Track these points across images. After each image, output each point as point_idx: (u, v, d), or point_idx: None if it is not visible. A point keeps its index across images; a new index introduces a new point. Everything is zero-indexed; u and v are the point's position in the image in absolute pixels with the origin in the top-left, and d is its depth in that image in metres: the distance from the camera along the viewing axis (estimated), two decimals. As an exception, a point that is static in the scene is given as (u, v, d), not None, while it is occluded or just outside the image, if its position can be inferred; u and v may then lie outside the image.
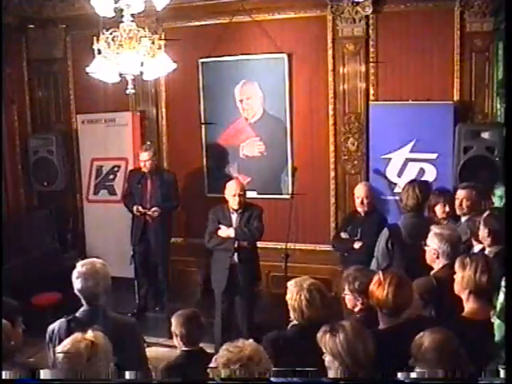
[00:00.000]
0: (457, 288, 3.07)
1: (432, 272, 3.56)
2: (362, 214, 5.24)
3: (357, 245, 5.07)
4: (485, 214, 3.81)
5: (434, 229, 3.64)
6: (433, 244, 3.56)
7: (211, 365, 2.17)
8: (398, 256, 4.15)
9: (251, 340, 2.27)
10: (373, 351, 2.48)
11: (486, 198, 4.70)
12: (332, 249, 5.62)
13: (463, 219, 4.59)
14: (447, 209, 4.79)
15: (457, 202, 4.64)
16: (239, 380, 2.08)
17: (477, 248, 3.99)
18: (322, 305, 3.07)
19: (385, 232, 4.27)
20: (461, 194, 4.65)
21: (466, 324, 2.90)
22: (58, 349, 2.42)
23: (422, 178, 5.48)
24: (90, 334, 2.43)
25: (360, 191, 5.26)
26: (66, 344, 2.41)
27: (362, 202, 5.21)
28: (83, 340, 2.39)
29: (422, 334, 2.48)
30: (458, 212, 4.65)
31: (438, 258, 3.54)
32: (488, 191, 4.71)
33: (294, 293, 3.08)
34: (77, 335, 2.44)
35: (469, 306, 3.02)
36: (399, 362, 2.45)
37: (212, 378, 2.13)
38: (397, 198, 4.96)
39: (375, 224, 5.04)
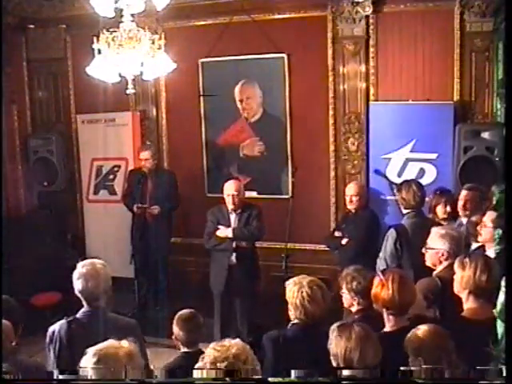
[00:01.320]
0: (456, 288, 3.07)
1: (434, 272, 3.54)
2: (353, 212, 5.32)
3: (344, 241, 5.18)
4: (493, 216, 3.77)
5: (439, 230, 3.60)
6: (440, 245, 3.52)
7: (198, 364, 2.17)
8: (405, 256, 4.14)
9: (238, 339, 2.28)
10: (380, 354, 2.49)
11: (486, 198, 4.68)
12: (327, 247, 5.65)
13: (464, 220, 4.56)
14: (448, 209, 4.78)
15: (460, 203, 4.59)
16: (240, 380, 2.09)
17: (474, 246, 3.98)
18: (323, 300, 3.08)
19: (391, 233, 4.25)
20: (465, 195, 4.59)
21: (466, 324, 2.90)
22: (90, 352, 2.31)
23: (422, 178, 5.51)
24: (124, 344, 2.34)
25: (350, 190, 5.36)
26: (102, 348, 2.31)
27: (350, 200, 5.30)
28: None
29: (414, 329, 2.52)
30: (461, 213, 4.62)
31: (446, 259, 3.50)
32: (488, 191, 4.69)
33: (295, 290, 3.08)
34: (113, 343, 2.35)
35: (468, 305, 3.02)
36: (406, 364, 2.45)
37: (212, 378, 2.13)
38: (397, 198, 4.95)
39: (364, 221, 5.20)
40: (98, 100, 6.45)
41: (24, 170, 7.03)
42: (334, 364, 2.51)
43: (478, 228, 3.89)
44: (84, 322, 3.13)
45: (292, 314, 3.11)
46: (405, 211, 4.54)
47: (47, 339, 3.18)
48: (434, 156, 5.63)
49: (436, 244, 3.55)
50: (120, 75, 3.80)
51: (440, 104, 5.62)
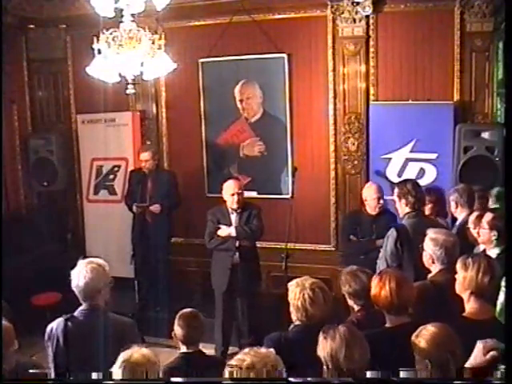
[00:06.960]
0: (458, 288, 3.06)
1: (429, 276, 3.54)
2: (374, 214, 5.09)
3: (380, 243, 4.71)
4: (488, 217, 3.77)
5: (430, 233, 3.60)
6: (428, 249, 3.53)
7: (231, 363, 2.18)
8: (406, 256, 4.12)
9: (272, 349, 2.29)
10: (368, 354, 2.49)
11: (484, 198, 4.69)
12: (343, 253, 5.50)
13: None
14: (430, 206, 4.80)
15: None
16: (248, 380, 2.10)
17: (476, 249, 3.99)
18: (324, 302, 3.09)
19: (392, 232, 4.22)
20: (448, 195, 4.64)
21: (468, 324, 2.89)
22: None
23: (422, 178, 5.51)
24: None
25: (373, 191, 5.08)
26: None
27: (378, 202, 5.04)
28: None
29: (421, 328, 2.52)
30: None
31: (433, 262, 3.51)
32: (487, 191, 4.70)
33: (297, 292, 3.09)
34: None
35: (470, 306, 3.01)
36: (403, 360, 2.45)
37: (213, 378, 2.14)
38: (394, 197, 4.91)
39: (389, 222, 4.83)
40: (98, 100, 6.45)
41: (24, 170, 7.02)
42: (324, 366, 2.50)
43: (476, 230, 3.90)
44: (81, 319, 3.13)
45: (294, 315, 3.12)
46: (405, 211, 4.52)
47: (45, 337, 3.19)
48: (433, 156, 5.63)
49: (426, 246, 3.55)
50: (120, 75, 3.81)
51: (440, 104, 5.62)
